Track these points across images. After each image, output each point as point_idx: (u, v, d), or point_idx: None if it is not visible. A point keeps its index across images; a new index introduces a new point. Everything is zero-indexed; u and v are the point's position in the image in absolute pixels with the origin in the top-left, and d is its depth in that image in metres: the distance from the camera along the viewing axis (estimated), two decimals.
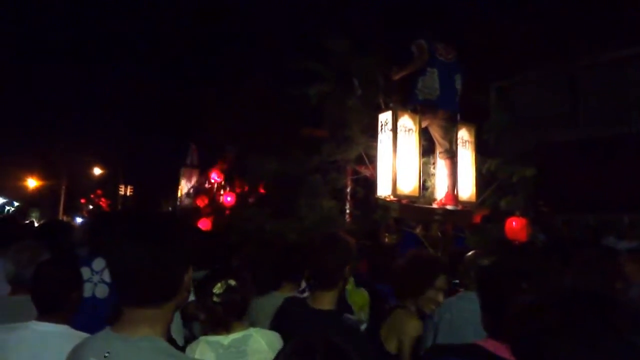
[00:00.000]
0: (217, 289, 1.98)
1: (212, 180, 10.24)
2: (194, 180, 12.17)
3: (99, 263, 3.31)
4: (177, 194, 12.80)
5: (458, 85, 5.38)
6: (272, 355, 1.98)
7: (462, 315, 2.53)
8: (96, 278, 3.27)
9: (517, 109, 9.66)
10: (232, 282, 2.01)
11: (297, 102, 6.07)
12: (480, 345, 1.51)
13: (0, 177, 32.06)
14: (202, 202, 10.12)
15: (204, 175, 11.40)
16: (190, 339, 2.83)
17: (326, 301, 2.16)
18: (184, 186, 12.38)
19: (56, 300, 2.09)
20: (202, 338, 2.02)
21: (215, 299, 1.98)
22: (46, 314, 2.06)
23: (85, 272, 3.05)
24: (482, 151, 5.90)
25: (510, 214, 5.72)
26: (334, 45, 5.66)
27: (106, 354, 1.21)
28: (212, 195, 10.15)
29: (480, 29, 10.09)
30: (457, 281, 3.17)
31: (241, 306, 2.04)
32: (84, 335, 1.81)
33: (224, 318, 1.99)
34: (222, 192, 10.06)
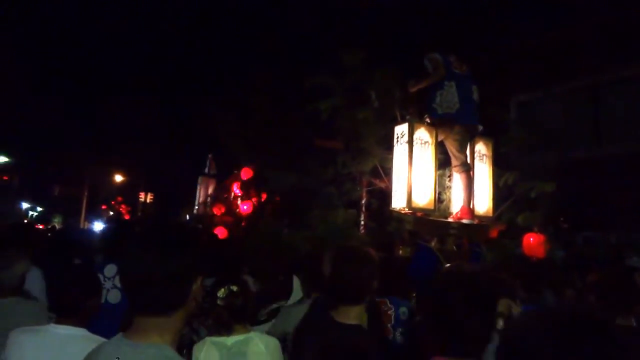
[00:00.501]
0: (221, 293, 2.11)
1: (233, 193, 10.29)
2: (211, 188, 12.29)
3: (110, 269, 3.36)
4: (194, 202, 12.92)
5: (476, 97, 5.33)
6: (270, 358, 2.08)
7: None
8: (109, 284, 3.33)
9: (538, 123, 9.52)
10: (234, 288, 2.12)
11: (311, 115, 6.10)
12: None
13: (25, 183, 32.85)
14: (218, 210, 10.18)
15: (221, 184, 11.49)
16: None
17: (352, 315, 2.07)
18: (201, 194, 12.50)
19: (75, 305, 2.15)
20: (208, 339, 2.12)
21: (219, 302, 2.10)
22: (65, 317, 2.13)
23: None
24: (500, 165, 5.82)
25: (528, 229, 5.61)
26: (350, 58, 5.68)
27: (116, 359, 1.23)
28: (229, 204, 10.21)
29: (502, 42, 10.02)
30: None
31: (242, 310, 2.14)
32: (101, 339, 1.86)
33: (226, 321, 2.10)
34: (239, 201, 10.10)
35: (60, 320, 2.12)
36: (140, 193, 31.86)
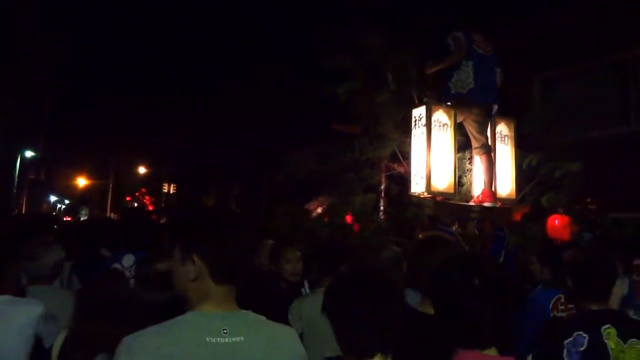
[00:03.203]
0: None
1: None
2: None
3: (128, 259, 3.38)
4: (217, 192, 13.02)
5: (497, 78, 5.17)
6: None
7: None
8: (127, 274, 3.34)
9: (563, 102, 9.24)
10: None
11: (329, 100, 6.02)
12: None
13: (53, 177, 33.63)
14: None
15: None
16: None
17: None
18: None
19: None
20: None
21: None
22: None
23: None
24: (522, 146, 5.65)
25: (553, 211, 5.45)
26: (367, 41, 5.57)
27: (225, 331, 1.30)
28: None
29: (525, 18, 9.71)
30: None
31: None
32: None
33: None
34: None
35: None
36: (164, 184, 32.34)
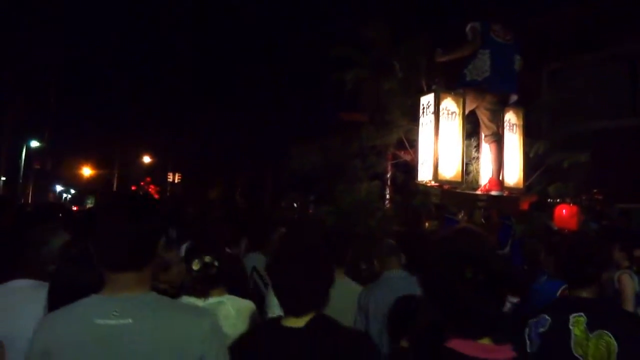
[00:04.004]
0: (195, 265, 2.24)
1: None
2: None
3: None
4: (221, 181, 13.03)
5: (516, 66, 5.13)
6: (240, 321, 2.18)
7: None
8: None
9: (571, 93, 9.17)
10: (208, 259, 2.25)
11: (336, 89, 6.00)
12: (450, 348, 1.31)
13: (59, 167, 33.76)
14: None
15: None
16: None
17: None
18: None
19: None
20: (184, 297, 2.27)
21: (194, 273, 2.25)
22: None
23: None
24: (531, 135, 5.62)
25: (561, 201, 5.43)
26: (375, 32, 5.53)
27: (115, 313, 1.32)
28: None
29: (534, 8, 9.61)
30: None
31: (217, 277, 2.27)
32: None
33: (201, 289, 2.25)
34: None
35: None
36: (169, 173, 32.42)
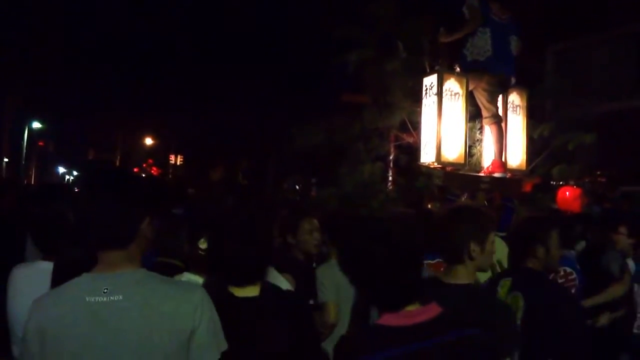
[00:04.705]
0: (202, 243, 2.22)
1: None
2: None
3: None
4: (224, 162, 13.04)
5: (514, 47, 5.06)
6: None
7: None
8: None
9: (576, 74, 9.07)
10: None
11: (339, 71, 5.94)
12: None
13: (61, 148, 33.83)
14: None
15: None
16: None
17: (460, 275, 1.94)
18: None
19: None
20: (186, 274, 2.26)
21: (200, 251, 2.22)
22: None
23: None
24: (534, 117, 5.57)
25: (564, 183, 5.41)
26: (380, 9, 5.44)
27: (105, 290, 1.34)
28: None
29: None
30: None
31: None
32: None
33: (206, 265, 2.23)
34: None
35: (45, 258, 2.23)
36: (171, 155, 32.43)
